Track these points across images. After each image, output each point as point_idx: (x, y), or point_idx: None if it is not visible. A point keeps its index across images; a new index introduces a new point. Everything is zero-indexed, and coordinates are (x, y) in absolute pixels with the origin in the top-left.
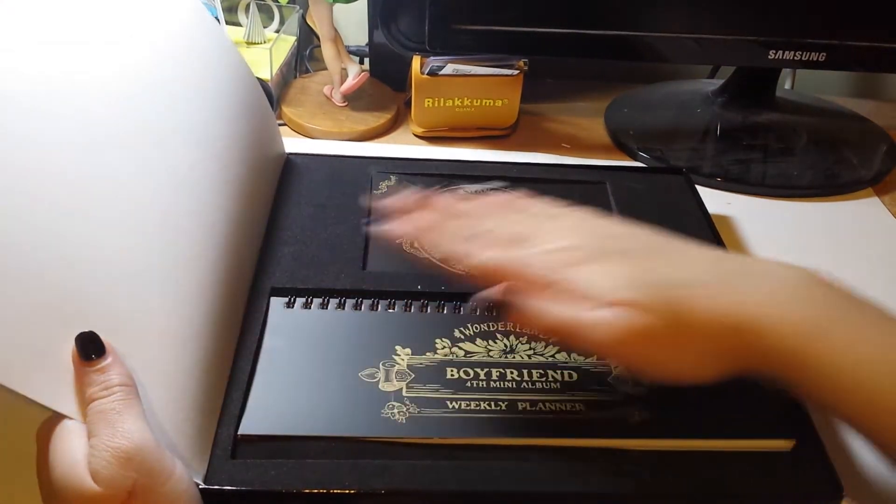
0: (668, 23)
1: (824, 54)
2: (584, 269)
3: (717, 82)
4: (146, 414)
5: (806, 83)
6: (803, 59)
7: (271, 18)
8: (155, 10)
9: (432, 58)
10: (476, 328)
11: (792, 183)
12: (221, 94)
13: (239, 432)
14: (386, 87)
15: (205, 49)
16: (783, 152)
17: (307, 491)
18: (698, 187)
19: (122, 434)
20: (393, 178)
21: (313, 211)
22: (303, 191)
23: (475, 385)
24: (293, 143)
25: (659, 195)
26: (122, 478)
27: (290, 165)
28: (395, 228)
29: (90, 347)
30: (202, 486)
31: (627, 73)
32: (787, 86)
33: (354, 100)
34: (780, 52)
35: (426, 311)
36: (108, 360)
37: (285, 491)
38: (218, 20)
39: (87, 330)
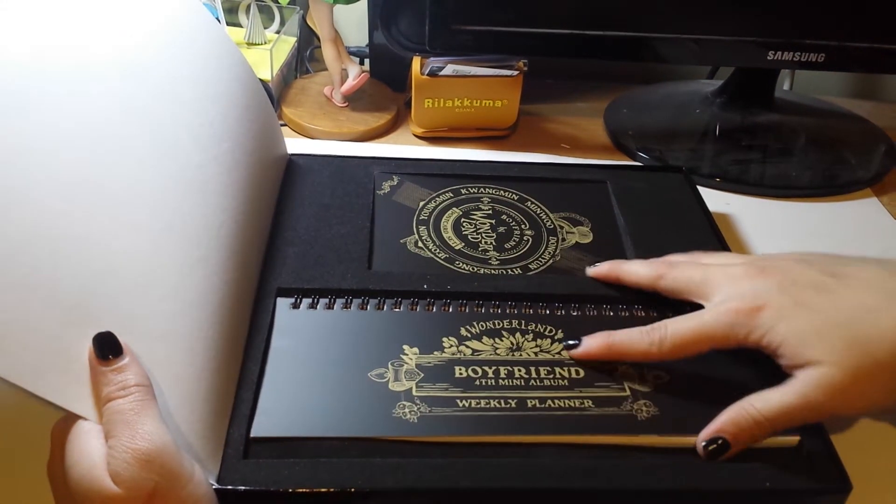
0: (667, 23)
1: (823, 55)
2: (766, 317)
3: (716, 83)
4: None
5: (805, 83)
6: (802, 59)
7: (272, 19)
8: (157, 14)
9: (432, 58)
10: (482, 326)
11: (791, 183)
12: (226, 95)
13: (251, 434)
14: (386, 88)
15: (208, 51)
16: (782, 153)
17: (321, 490)
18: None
19: (141, 436)
20: (395, 178)
21: (317, 211)
22: (306, 191)
23: (484, 383)
24: (294, 144)
25: (660, 194)
26: (144, 480)
27: (292, 166)
28: (590, 347)
29: (107, 347)
30: (216, 486)
31: (627, 73)
32: (786, 86)
33: (354, 100)
34: (780, 52)
35: (432, 309)
36: (126, 360)
37: (298, 491)
38: (218, 21)
39: (104, 330)
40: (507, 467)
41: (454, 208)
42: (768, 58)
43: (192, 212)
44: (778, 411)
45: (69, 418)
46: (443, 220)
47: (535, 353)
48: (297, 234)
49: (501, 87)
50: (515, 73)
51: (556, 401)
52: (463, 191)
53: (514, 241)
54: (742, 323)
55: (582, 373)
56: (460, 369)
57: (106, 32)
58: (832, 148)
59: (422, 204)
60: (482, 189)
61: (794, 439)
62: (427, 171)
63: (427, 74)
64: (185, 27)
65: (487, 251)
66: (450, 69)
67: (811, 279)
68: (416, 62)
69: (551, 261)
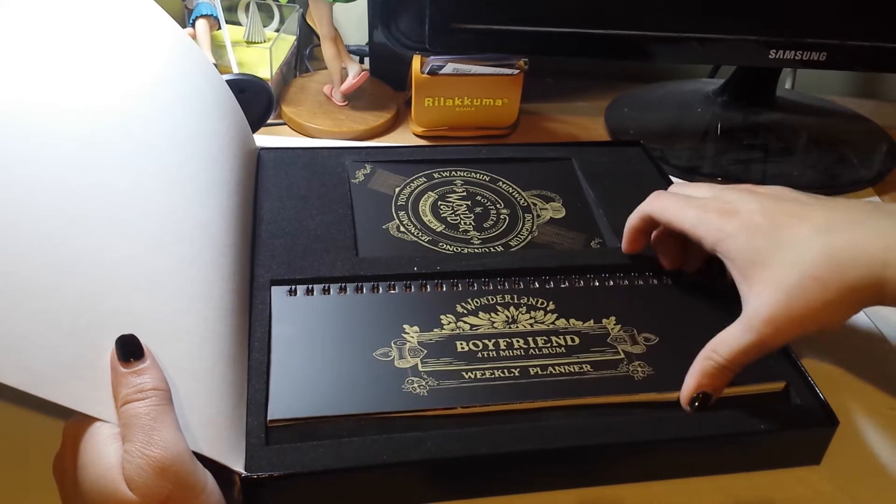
0: (668, 22)
1: (825, 54)
2: (733, 224)
3: (717, 82)
4: (178, 412)
5: (806, 83)
6: (804, 58)
7: (271, 18)
8: (119, 20)
9: (432, 57)
10: (476, 302)
11: (792, 183)
12: (192, 93)
13: (269, 418)
14: (386, 87)
15: (171, 52)
16: (783, 152)
17: (350, 467)
18: None
19: (158, 443)
20: (368, 166)
21: (296, 203)
22: (282, 184)
23: (486, 356)
24: (294, 144)
25: (623, 167)
26: (158, 487)
27: (263, 159)
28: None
29: (129, 350)
30: (245, 474)
31: (627, 73)
32: (788, 85)
33: (354, 99)
34: (781, 51)
35: (426, 290)
36: (146, 363)
37: (328, 469)
38: (218, 20)
39: (127, 333)
40: (520, 432)
41: (429, 192)
42: (770, 57)
43: (180, 210)
44: (738, 352)
45: (83, 418)
46: (420, 203)
47: (531, 325)
48: (280, 226)
49: (502, 86)
50: (516, 71)
51: (557, 367)
52: (435, 175)
53: (492, 220)
54: (714, 224)
55: (577, 340)
56: (461, 344)
57: (75, 46)
58: (834, 147)
59: (397, 190)
60: (453, 172)
61: (779, 385)
62: (398, 157)
63: (427, 73)
64: (145, 29)
65: (468, 231)
66: (450, 68)
67: (795, 198)
68: (416, 61)
69: (530, 237)
